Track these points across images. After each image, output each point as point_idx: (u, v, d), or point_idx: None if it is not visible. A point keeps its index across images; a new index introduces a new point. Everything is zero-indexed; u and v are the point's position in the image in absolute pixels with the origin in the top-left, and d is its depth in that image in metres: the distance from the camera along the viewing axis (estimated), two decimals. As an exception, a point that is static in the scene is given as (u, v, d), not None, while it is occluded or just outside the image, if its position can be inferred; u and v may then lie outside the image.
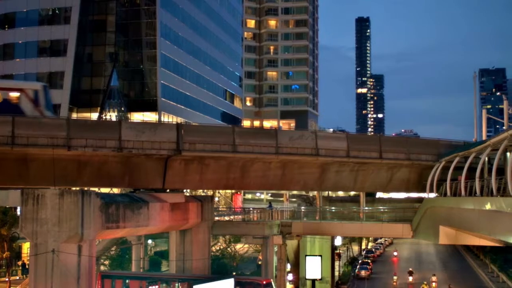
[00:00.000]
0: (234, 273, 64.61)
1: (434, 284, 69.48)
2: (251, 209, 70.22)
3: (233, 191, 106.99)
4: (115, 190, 61.50)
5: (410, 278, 73.97)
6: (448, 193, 41.05)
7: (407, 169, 49.44)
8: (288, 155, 44.26)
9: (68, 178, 40.00)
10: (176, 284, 44.99)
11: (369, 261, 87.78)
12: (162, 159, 41.61)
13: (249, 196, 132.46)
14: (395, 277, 73.89)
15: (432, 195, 47.07)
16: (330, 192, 72.11)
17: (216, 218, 60.85)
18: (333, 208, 64.47)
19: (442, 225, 44.23)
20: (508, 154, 36.47)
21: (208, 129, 42.82)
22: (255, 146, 43.21)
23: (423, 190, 49.77)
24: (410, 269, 77.39)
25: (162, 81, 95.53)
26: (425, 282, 67.54)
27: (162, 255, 73.87)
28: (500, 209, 29.25)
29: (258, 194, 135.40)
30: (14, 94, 42.23)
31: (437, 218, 45.10)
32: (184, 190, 50.31)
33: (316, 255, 57.86)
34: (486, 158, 36.71)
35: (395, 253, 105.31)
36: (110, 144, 38.94)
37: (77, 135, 38.07)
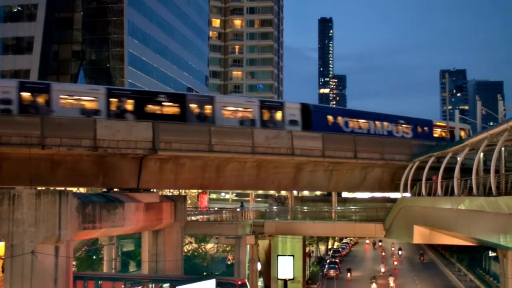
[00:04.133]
0: (205, 273, 64.24)
1: (393, 249, 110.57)
2: (216, 208, 69.84)
3: (200, 190, 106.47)
4: (82, 190, 60.41)
5: (380, 243, 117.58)
6: (424, 192, 41.37)
7: (380, 169, 49.82)
8: (264, 155, 44.18)
9: (42, 178, 39.28)
10: (150, 285, 44.44)
11: (337, 260, 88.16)
12: (137, 158, 41.11)
13: (214, 196, 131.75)
14: (374, 242, 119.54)
15: (405, 194, 47.44)
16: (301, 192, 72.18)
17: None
18: (305, 207, 64.54)
19: (416, 225, 44.55)
20: (481, 154, 36.86)
21: (184, 128, 42.20)
22: (231, 146, 43.02)
23: (395, 189, 50.20)
24: (380, 239, 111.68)
25: (129, 80, 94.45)
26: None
27: (129, 256, 72.98)
28: (481, 209, 29.46)
29: (223, 194, 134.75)
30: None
31: (411, 217, 45.40)
32: (153, 190, 49.66)
33: (288, 255, 57.89)
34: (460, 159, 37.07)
35: (367, 241, 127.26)
36: (85, 143, 38.36)
37: (52, 133, 37.40)
